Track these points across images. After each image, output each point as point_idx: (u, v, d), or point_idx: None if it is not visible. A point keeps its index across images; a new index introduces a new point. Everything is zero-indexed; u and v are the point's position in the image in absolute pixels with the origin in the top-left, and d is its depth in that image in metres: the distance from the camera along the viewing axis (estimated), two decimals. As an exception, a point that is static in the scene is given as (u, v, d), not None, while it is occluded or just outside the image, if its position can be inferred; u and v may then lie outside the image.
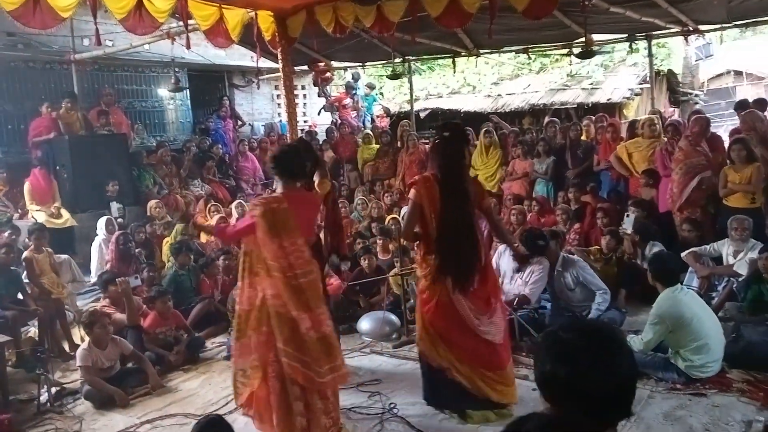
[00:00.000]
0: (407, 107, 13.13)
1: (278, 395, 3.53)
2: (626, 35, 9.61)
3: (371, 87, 13.93)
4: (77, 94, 9.51)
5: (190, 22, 6.16)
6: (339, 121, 12.49)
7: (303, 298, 3.51)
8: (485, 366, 3.87)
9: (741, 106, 7.92)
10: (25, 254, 6.26)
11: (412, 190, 3.80)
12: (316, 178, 4.23)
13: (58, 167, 8.78)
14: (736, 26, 8.98)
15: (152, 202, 8.46)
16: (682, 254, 5.56)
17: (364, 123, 12.94)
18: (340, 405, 3.83)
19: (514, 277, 5.64)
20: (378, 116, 13.43)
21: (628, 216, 6.44)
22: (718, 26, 8.99)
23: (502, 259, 5.81)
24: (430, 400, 4.06)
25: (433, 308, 3.85)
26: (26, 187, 8.35)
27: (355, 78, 13.34)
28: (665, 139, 7.24)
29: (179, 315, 5.84)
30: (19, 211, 8.48)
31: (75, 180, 8.67)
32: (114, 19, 5.63)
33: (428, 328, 3.89)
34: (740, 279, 5.16)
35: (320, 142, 11.20)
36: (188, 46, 6.45)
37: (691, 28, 8.82)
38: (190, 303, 6.28)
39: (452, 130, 4.00)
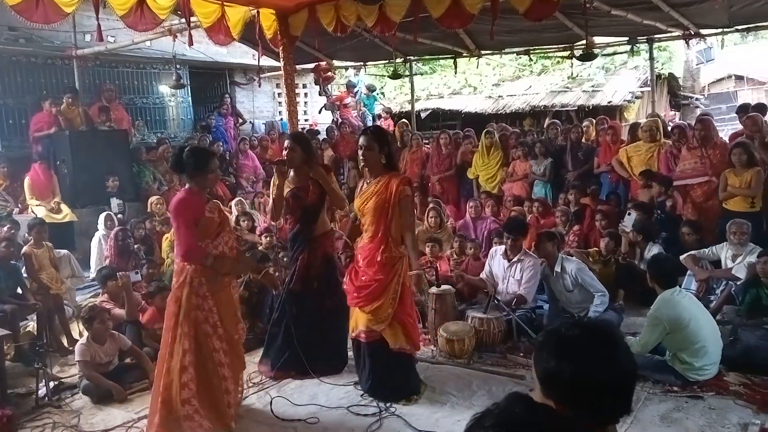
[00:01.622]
0: (408, 107, 13.16)
1: None
2: (627, 38, 9.63)
3: (371, 89, 13.96)
4: (78, 90, 9.51)
5: (191, 19, 6.18)
6: (340, 120, 12.50)
7: None
8: None
9: (742, 109, 7.93)
10: (24, 249, 6.26)
11: (409, 188, 4.12)
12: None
13: (58, 162, 8.79)
14: (738, 30, 9.01)
15: (153, 198, 8.46)
16: (681, 257, 5.57)
17: (365, 123, 12.94)
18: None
19: (506, 277, 5.66)
20: (381, 117, 13.44)
21: (629, 215, 6.44)
22: (719, 30, 9.01)
23: (494, 261, 5.83)
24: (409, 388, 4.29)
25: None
26: (26, 181, 8.36)
27: (370, 89, 13.52)
28: (669, 142, 7.25)
29: (178, 311, 5.83)
30: (19, 205, 8.48)
31: (75, 175, 8.67)
32: (116, 15, 5.64)
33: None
34: (739, 282, 5.17)
35: (320, 141, 11.22)
36: (190, 43, 6.46)
37: (693, 32, 8.84)
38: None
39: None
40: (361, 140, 4.19)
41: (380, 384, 4.26)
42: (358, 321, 4.25)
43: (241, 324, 4.15)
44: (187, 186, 3.93)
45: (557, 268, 5.44)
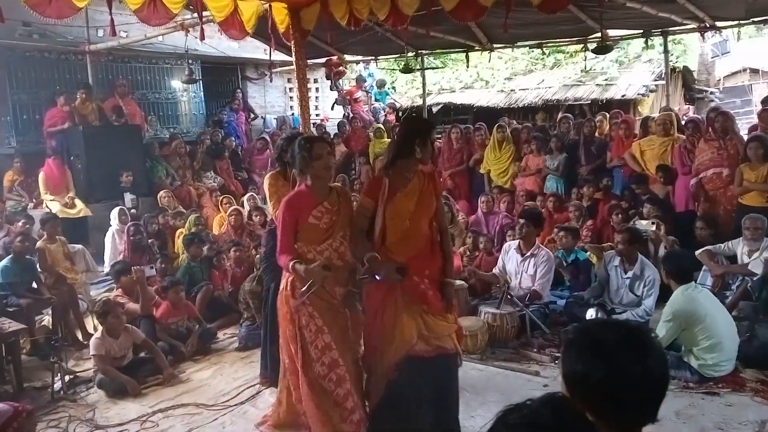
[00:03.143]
0: (420, 101, 13.11)
1: None
2: (642, 31, 9.52)
3: (381, 85, 13.93)
4: (92, 85, 9.55)
5: (204, 13, 6.17)
6: (351, 115, 12.47)
7: None
8: None
9: (768, 101, 7.79)
10: (38, 244, 6.31)
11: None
12: None
13: (72, 157, 8.84)
14: (754, 23, 8.87)
15: (162, 193, 8.52)
16: (697, 252, 5.51)
17: (377, 118, 12.93)
18: None
19: (519, 272, 5.63)
20: (385, 111, 13.39)
21: (653, 223, 6.25)
22: (735, 23, 8.89)
23: (507, 256, 5.80)
24: None
25: None
26: (41, 176, 8.44)
27: (380, 85, 13.41)
28: (683, 136, 7.18)
29: (191, 305, 5.87)
30: (34, 200, 8.56)
31: (89, 170, 8.72)
32: (128, 9, 5.65)
33: None
34: (755, 278, 5.11)
35: (331, 136, 11.22)
36: (202, 38, 6.45)
37: (708, 25, 8.72)
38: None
39: None
40: None
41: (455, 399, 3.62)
42: (439, 332, 3.42)
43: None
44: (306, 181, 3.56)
45: (636, 271, 5.28)
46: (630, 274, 5.31)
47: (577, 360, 1.40)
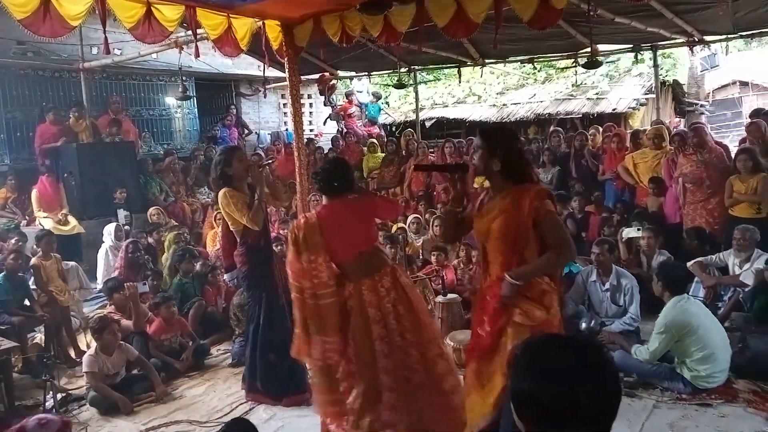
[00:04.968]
0: (413, 116, 13.19)
1: None
2: (632, 45, 9.63)
3: (377, 96, 14.01)
4: (85, 103, 9.58)
5: (198, 31, 6.21)
6: (345, 130, 12.53)
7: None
8: None
9: (756, 114, 7.87)
10: (33, 261, 6.29)
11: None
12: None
13: (65, 174, 8.84)
14: (742, 37, 9.00)
15: (152, 210, 8.51)
16: (688, 264, 5.54)
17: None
18: None
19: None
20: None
21: (638, 229, 6.33)
22: (723, 37, 9.00)
23: None
24: None
25: None
26: (34, 194, 8.43)
27: (377, 96, 13.49)
28: (671, 149, 7.26)
29: (184, 321, 5.86)
30: (27, 217, 8.55)
31: (82, 187, 8.72)
32: (123, 27, 5.68)
33: None
34: (747, 289, 5.15)
35: (325, 151, 11.27)
36: (197, 55, 6.49)
37: (697, 39, 8.84)
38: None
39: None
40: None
41: None
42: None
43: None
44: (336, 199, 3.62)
45: (613, 281, 5.31)
46: (608, 285, 5.34)
47: (522, 379, 1.35)
